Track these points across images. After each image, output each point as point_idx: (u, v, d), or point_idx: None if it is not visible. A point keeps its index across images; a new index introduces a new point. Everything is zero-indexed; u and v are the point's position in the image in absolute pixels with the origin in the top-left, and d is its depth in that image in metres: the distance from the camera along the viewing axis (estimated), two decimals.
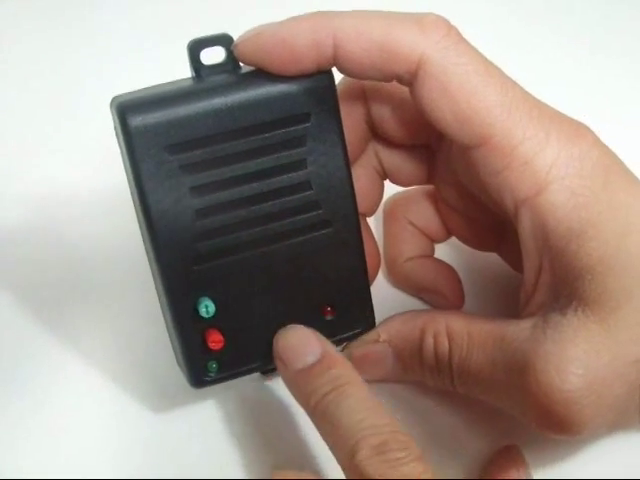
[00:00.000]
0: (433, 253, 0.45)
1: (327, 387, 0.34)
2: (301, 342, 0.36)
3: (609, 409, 0.34)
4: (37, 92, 0.60)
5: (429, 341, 0.37)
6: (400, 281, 0.46)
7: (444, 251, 0.46)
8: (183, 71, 0.36)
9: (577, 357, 0.33)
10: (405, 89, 0.36)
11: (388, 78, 0.35)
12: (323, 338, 0.36)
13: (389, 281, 0.46)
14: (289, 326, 0.37)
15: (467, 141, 0.35)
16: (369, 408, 0.33)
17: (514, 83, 0.35)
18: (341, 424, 0.33)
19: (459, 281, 0.44)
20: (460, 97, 0.34)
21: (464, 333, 0.37)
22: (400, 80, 0.35)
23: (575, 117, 0.36)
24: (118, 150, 0.35)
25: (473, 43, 0.36)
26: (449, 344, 0.37)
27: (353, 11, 0.35)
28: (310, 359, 0.35)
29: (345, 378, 0.34)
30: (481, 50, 0.35)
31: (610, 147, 0.36)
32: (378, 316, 0.40)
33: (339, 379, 0.34)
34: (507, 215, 0.36)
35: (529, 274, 0.36)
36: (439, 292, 0.44)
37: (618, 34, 0.65)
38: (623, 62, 0.63)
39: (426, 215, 0.44)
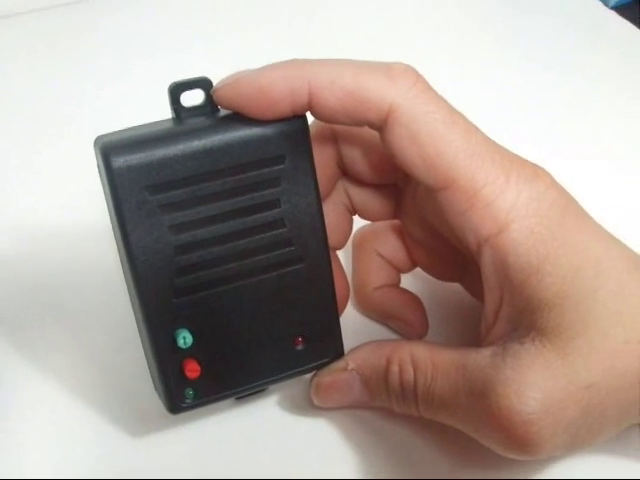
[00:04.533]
0: (399, 282, 0.47)
1: None
2: None
3: (564, 431, 0.35)
4: (24, 122, 0.61)
5: (395, 369, 0.39)
6: (368, 309, 0.47)
7: (410, 281, 0.48)
8: (165, 110, 0.38)
9: (535, 382, 0.35)
10: (374, 133, 0.37)
11: (359, 124, 0.37)
12: None
13: (358, 309, 0.48)
14: None
15: (433, 184, 0.37)
16: None
17: (477, 129, 0.37)
18: None
19: (423, 309, 0.46)
20: (428, 144, 0.36)
21: (428, 361, 0.38)
22: (371, 126, 0.37)
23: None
24: (98, 181, 0.36)
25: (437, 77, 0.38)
26: (414, 372, 0.38)
27: (327, 60, 0.37)
28: None
29: None
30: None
31: (565, 184, 0.38)
32: (348, 341, 0.41)
33: None
34: (470, 252, 0.38)
35: (490, 306, 0.38)
36: (405, 320, 0.46)
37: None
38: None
39: (393, 247, 0.46)
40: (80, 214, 0.52)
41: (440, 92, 0.37)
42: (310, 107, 0.36)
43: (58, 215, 0.53)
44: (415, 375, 0.38)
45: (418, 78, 0.36)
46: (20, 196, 0.56)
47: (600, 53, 0.69)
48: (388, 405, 0.40)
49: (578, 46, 0.69)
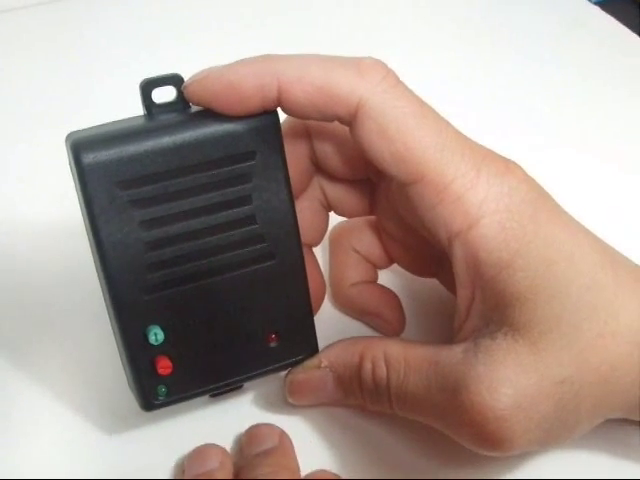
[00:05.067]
0: (376, 279, 0.47)
1: None
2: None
3: (537, 426, 0.35)
4: (20, 117, 0.62)
5: (367, 367, 0.39)
6: (345, 305, 0.47)
7: (387, 277, 0.48)
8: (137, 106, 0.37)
9: (507, 378, 0.35)
10: (346, 128, 0.37)
11: (329, 119, 0.37)
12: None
13: (335, 306, 0.47)
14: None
15: (403, 178, 0.36)
16: None
17: (448, 124, 0.37)
18: None
19: (400, 305, 0.46)
20: (397, 138, 0.36)
21: (401, 358, 0.38)
22: (341, 121, 0.37)
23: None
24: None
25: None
26: (387, 369, 0.38)
27: (296, 55, 0.37)
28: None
29: None
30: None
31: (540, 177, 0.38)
32: (325, 338, 0.41)
33: None
34: (442, 246, 0.38)
35: (462, 302, 0.38)
36: (381, 316, 0.46)
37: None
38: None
39: (369, 243, 0.46)
40: (55, 212, 0.52)
41: (421, 86, 0.37)
42: (280, 103, 0.36)
43: (32, 213, 0.54)
44: (388, 372, 0.38)
45: (388, 72, 0.36)
46: (18, 193, 0.56)
47: (583, 47, 0.69)
48: (362, 403, 0.40)
49: (561, 40, 0.69)
